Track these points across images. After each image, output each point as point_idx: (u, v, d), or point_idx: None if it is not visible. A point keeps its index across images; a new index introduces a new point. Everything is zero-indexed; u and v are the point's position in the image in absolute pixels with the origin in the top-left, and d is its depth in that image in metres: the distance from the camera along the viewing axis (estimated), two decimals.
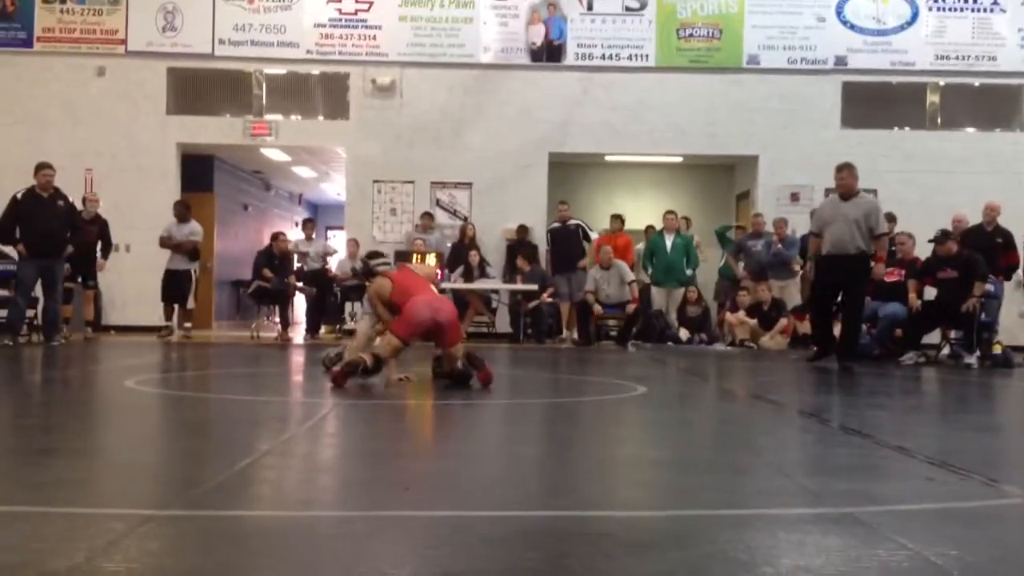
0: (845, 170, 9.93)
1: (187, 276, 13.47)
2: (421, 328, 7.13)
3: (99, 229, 12.82)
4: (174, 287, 13.41)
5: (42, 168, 11.37)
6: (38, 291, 11.65)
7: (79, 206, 12.40)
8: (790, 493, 3.58)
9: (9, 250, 11.79)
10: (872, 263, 9.80)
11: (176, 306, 13.59)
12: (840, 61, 15.19)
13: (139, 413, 6.07)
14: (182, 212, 13.65)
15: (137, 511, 3.01)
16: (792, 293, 13.57)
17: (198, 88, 15.23)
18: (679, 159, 16.44)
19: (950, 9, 15.19)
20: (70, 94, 14.96)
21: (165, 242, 13.49)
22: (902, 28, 15.20)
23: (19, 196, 11.29)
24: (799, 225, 14.15)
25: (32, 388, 7.82)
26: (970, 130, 15.32)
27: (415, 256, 13.88)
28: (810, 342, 11.07)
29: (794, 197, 15.14)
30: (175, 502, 3.15)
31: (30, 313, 11.78)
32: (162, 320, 13.58)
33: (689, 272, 14.09)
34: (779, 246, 13.56)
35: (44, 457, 4.06)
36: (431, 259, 13.88)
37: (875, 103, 15.31)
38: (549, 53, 15.24)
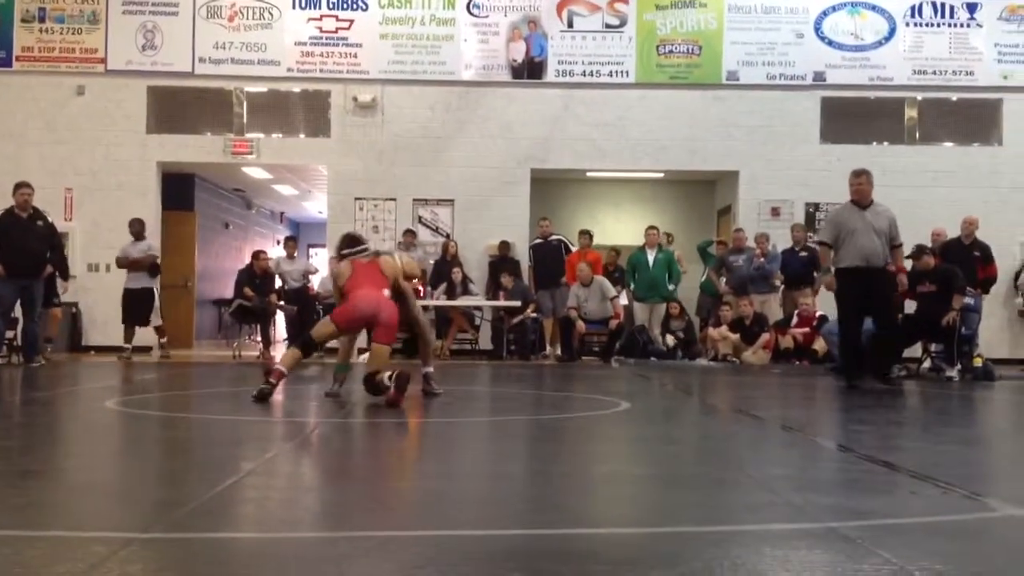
0: (863, 176, 9.40)
1: (148, 294, 13.33)
2: (357, 322, 7.17)
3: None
4: (135, 307, 13.23)
5: (20, 187, 11.30)
6: (17, 311, 11.54)
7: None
8: (774, 508, 3.58)
9: None
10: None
11: (137, 327, 13.31)
12: (819, 76, 15.31)
13: (120, 434, 6.02)
14: (138, 230, 13.51)
15: (118, 534, 2.98)
16: (773, 307, 13.62)
17: (178, 106, 15.20)
18: (660, 175, 16.51)
19: (927, 25, 15.34)
20: (50, 113, 14.91)
21: (122, 262, 13.34)
22: (880, 44, 15.34)
23: None
24: (780, 240, 14.22)
25: (11, 409, 7.74)
26: (948, 144, 15.46)
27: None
28: (840, 362, 9.90)
29: (775, 212, 15.22)
30: (157, 524, 3.12)
31: (9, 334, 11.68)
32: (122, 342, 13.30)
33: (671, 287, 14.13)
34: (761, 260, 13.61)
35: (24, 479, 4.01)
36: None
37: (854, 118, 15.43)
38: (530, 70, 15.29)
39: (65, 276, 12.61)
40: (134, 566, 2.68)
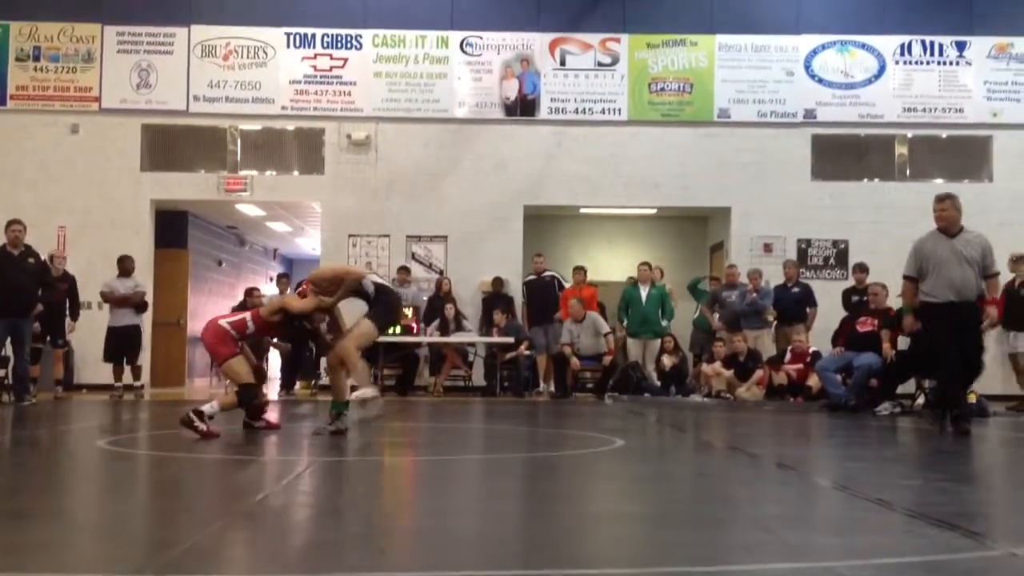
0: (947, 200, 8.37)
1: (136, 331, 13.28)
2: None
3: (67, 286, 12.66)
4: (123, 344, 13.14)
5: (12, 224, 11.29)
6: (7, 350, 11.49)
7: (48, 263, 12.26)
8: (771, 548, 3.56)
9: None
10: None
11: (127, 365, 13.24)
12: (809, 114, 15.42)
13: (111, 473, 5.97)
14: (128, 267, 13.47)
15: (111, 575, 2.95)
16: (766, 343, 13.62)
17: (173, 144, 15.24)
18: (653, 211, 16.57)
19: (917, 63, 15.49)
20: (44, 151, 14.93)
21: (107, 296, 13.28)
22: (870, 81, 15.48)
23: None
24: (772, 276, 14.25)
25: (2, 449, 7.68)
26: (939, 180, 15.53)
27: None
28: (951, 407, 8.58)
29: (767, 248, 15.27)
30: (149, 565, 3.09)
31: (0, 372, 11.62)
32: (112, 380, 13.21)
33: (664, 323, 14.14)
34: (753, 296, 13.63)
35: (14, 520, 3.98)
36: (407, 313, 13.85)
37: (845, 155, 15.53)
38: (523, 108, 15.39)
39: (76, 316, 12.65)
40: None
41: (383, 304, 7.60)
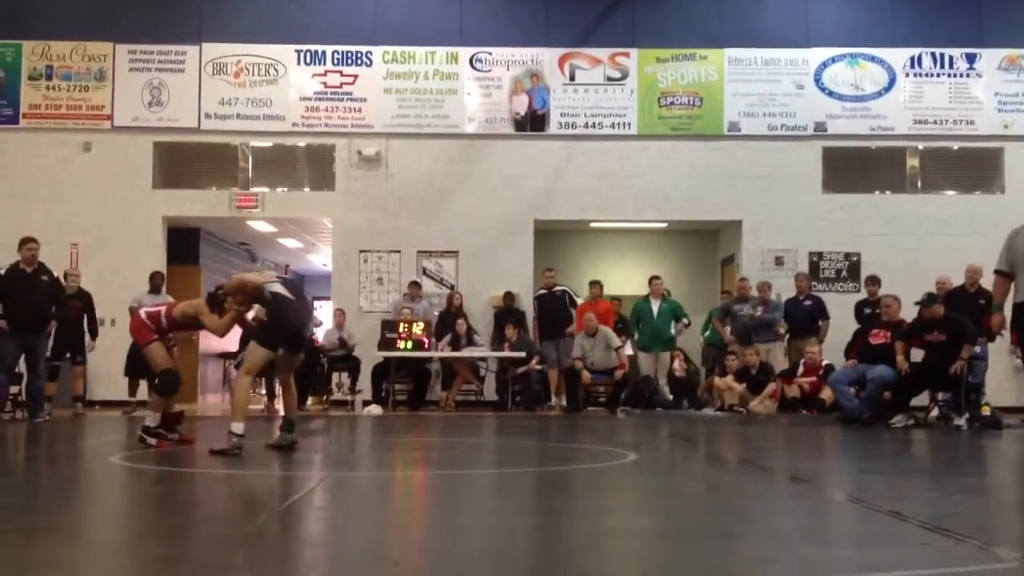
0: None
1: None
2: None
3: (83, 303, 12.70)
4: (142, 360, 13.11)
5: (26, 242, 11.35)
6: (21, 367, 11.53)
7: (62, 281, 12.30)
8: (786, 562, 3.54)
9: None
10: None
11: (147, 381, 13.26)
12: (820, 127, 15.41)
13: (124, 490, 5.99)
14: (159, 283, 13.53)
15: None
16: (778, 356, 13.58)
17: (184, 161, 15.31)
18: (663, 225, 16.56)
19: (927, 75, 15.47)
20: (56, 169, 15.01)
21: (135, 311, 13.27)
22: (880, 94, 15.46)
23: (3, 271, 11.23)
24: (784, 289, 14.23)
25: (16, 466, 7.71)
26: (950, 193, 15.51)
27: (402, 325, 13.87)
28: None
29: (778, 261, 15.24)
30: None
31: (13, 389, 11.65)
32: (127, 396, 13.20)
33: (685, 321, 14.17)
34: (763, 309, 13.59)
35: (29, 536, 3.99)
36: (418, 328, 13.87)
37: (855, 168, 15.50)
38: (533, 122, 15.42)
39: (95, 334, 12.68)
40: None
41: (272, 318, 7.38)
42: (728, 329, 13.90)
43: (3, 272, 11.24)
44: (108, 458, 7.15)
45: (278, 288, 7.40)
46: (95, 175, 15.04)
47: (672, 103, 15.44)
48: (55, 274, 11.87)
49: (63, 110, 15.18)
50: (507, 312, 14.59)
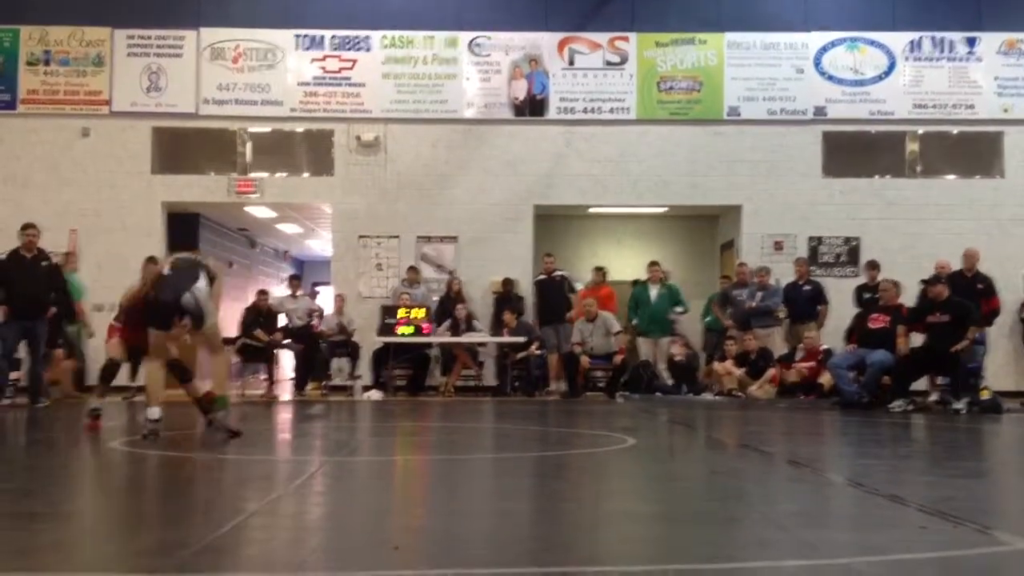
0: None
1: None
2: None
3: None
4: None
5: (27, 229, 11.34)
6: (22, 353, 11.53)
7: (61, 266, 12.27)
8: (786, 545, 3.55)
9: None
10: None
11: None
12: (819, 111, 15.37)
13: (124, 474, 6.00)
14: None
15: (126, 575, 2.96)
16: (777, 342, 13.58)
17: (183, 147, 15.28)
18: (663, 210, 16.55)
19: (927, 59, 15.43)
20: (55, 155, 14.98)
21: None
22: (880, 78, 15.42)
23: (3, 257, 11.23)
24: (783, 274, 14.22)
25: (16, 451, 7.72)
26: (950, 177, 15.49)
27: (401, 310, 13.88)
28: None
29: (778, 246, 15.23)
30: (163, 565, 3.10)
31: (14, 375, 11.65)
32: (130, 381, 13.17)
33: (680, 309, 14.16)
34: (761, 294, 13.58)
35: (29, 522, 3.99)
36: (418, 313, 13.87)
37: (855, 152, 15.47)
38: (532, 107, 15.38)
39: (70, 319, 12.54)
40: None
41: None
42: (727, 314, 13.90)
43: (3, 258, 11.23)
44: (108, 443, 7.16)
45: (164, 270, 7.44)
46: (94, 161, 15.01)
47: (672, 87, 15.40)
48: (54, 260, 11.86)
49: (61, 95, 15.13)
50: (506, 297, 14.59)
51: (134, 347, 7.98)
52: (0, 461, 6.89)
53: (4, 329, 11.16)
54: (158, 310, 7.28)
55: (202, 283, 7.20)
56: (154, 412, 7.09)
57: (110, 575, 3.01)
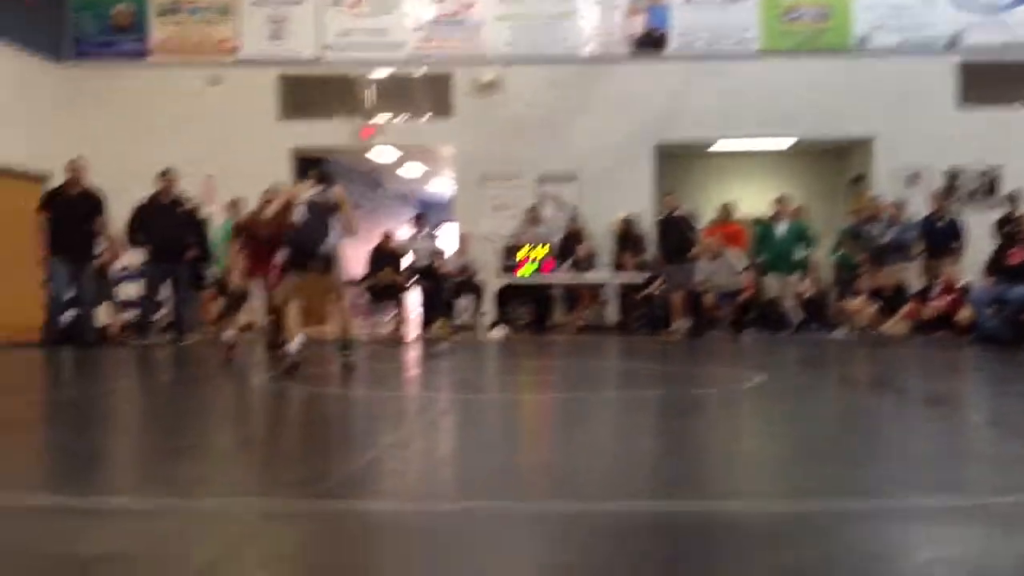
0: None
1: None
2: None
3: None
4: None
5: (164, 175, 11.84)
6: (166, 293, 12.04)
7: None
8: (920, 484, 3.48)
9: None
10: None
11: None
12: (954, 39, 14.63)
13: (267, 409, 6.25)
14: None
15: (272, 505, 3.11)
16: (910, 277, 13.16)
17: (308, 93, 15.56)
18: (789, 145, 16.10)
19: None
20: (185, 103, 15.44)
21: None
22: (1018, 3, 14.56)
23: (142, 203, 11.74)
24: (918, 208, 13.73)
25: (165, 387, 8.12)
26: None
27: (523, 250, 13.95)
28: None
29: (911, 179, 14.68)
30: (306, 495, 3.23)
31: (159, 315, 12.20)
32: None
33: (804, 254, 13.81)
34: (896, 229, 13.15)
35: (179, 454, 4.21)
36: (540, 253, 13.92)
37: (992, 81, 14.69)
38: (651, 43, 15.08)
39: (207, 261, 13.01)
40: (285, 535, 2.79)
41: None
42: (859, 250, 13.52)
43: (143, 204, 11.73)
44: (251, 379, 7.46)
45: (298, 215, 7.79)
46: (222, 108, 15.42)
47: (798, 17, 14.87)
48: (191, 204, 12.34)
49: (190, 44, 15.57)
50: (628, 236, 14.50)
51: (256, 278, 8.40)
52: (148, 398, 7.26)
53: (147, 271, 11.74)
54: (298, 254, 7.74)
55: (337, 231, 7.78)
56: (294, 346, 7.44)
57: (257, 504, 3.15)
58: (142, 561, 2.44)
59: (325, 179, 8.08)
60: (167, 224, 11.61)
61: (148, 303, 11.82)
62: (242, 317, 9.08)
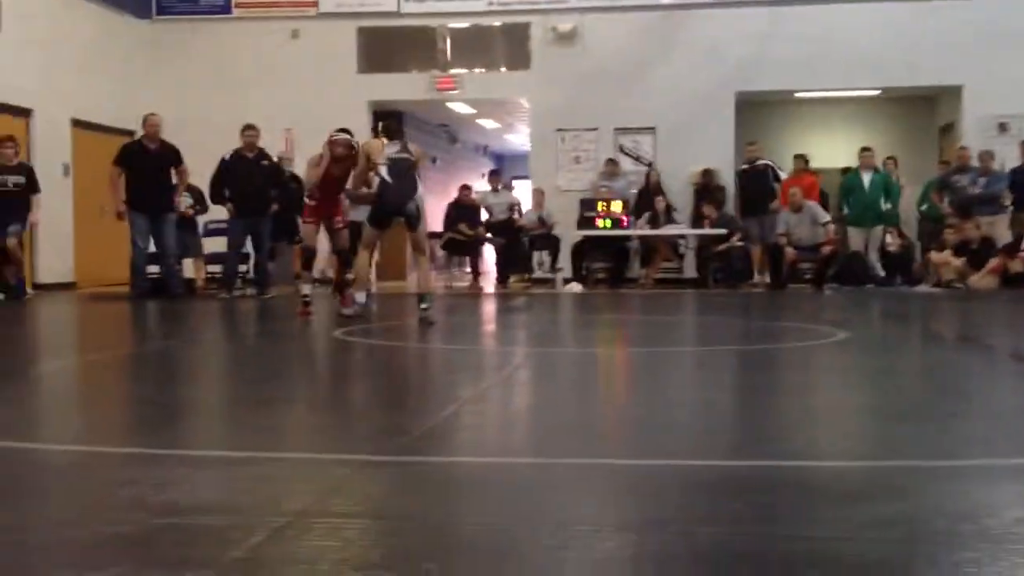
0: None
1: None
2: None
3: (298, 186, 13.19)
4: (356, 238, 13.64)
5: (247, 129, 11.99)
6: (248, 247, 12.27)
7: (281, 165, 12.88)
8: (1007, 442, 3.41)
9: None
10: None
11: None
12: None
13: (348, 363, 6.36)
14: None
15: (355, 457, 3.18)
16: (1001, 230, 12.78)
17: (386, 46, 15.60)
18: (875, 92, 15.67)
19: None
20: (266, 57, 15.60)
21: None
22: None
23: (226, 157, 11.92)
24: (1008, 158, 13.28)
25: (248, 340, 8.32)
26: None
27: (600, 203, 13.88)
28: None
29: (1002, 128, 14.18)
30: (388, 448, 3.30)
31: (242, 268, 12.45)
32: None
33: (888, 206, 13.48)
34: (985, 180, 12.76)
35: (266, 406, 4.32)
36: (617, 206, 13.83)
37: None
38: None
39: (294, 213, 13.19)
40: (372, 487, 2.86)
41: (375, 197, 8.06)
42: (946, 201, 13.16)
43: (227, 158, 11.91)
44: (332, 333, 7.60)
45: (383, 172, 7.83)
46: (303, 62, 15.55)
47: None
48: (274, 159, 12.50)
49: None
50: (707, 188, 14.31)
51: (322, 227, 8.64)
52: (236, 349, 7.45)
53: (231, 225, 11.96)
54: (385, 211, 7.93)
55: (421, 189, 7.90)
56: (361, 296, 7.67)
57: (343, 456, 3.23)
58: (237, 509, 2.52)
59: (395, 133, 8.11)
60: (251, 178, 11.77)
61: (232, 257, 12.06)
62: (315, 270, 9.31)
